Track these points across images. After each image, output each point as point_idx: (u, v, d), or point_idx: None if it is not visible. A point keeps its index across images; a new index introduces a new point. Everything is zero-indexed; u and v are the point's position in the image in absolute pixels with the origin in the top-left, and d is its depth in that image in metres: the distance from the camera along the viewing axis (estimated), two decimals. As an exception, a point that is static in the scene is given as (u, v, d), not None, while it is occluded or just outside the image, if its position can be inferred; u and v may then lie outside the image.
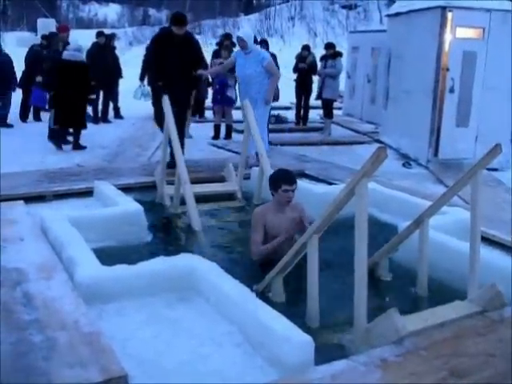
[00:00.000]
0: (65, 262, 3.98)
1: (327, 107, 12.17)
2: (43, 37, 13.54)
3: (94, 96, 10.44)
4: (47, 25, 17.75)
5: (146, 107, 14.12)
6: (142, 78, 12.44)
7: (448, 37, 9.10)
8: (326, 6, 39.88)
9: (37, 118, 12.48)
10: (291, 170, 4.93)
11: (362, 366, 2.86)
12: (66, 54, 9.29)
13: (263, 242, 4.56)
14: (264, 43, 11.46)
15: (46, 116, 11.82)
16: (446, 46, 9.15)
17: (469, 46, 9.11)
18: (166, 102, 6.27)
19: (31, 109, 12.53)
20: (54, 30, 13.77)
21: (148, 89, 12.44)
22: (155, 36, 7.67)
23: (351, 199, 3.29)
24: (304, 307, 3.69)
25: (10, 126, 11.60)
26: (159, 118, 7.15)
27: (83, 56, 9.63)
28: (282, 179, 4.56)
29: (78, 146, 9.42)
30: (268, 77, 7.60)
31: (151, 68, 7.50)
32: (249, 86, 7.50)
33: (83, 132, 9.55)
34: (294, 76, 13.04)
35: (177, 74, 7.12)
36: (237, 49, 8.40)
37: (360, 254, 3.17)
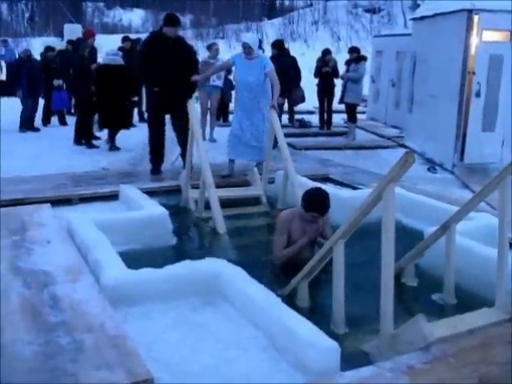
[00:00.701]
0: (91, 265, 4.01)
1: (350, 111, 12.13)
2: (69, 42, 13.76)
3: (136, 98, 10.93)
4: (73, 30, 17.96)
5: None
6: None
7: (474, 40, 9.01)
8: (349, 10, 39.81)
9: (62, 122, 12.61)
10: (315, 173, 4.91)
11: (388, 372, 2.83)
12: (105, 59, 9.72)
13: (286, 246, 4.57)
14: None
15: (71, 120, 12.00)
16: (472, 50, 9.07)
17: (495, 50, 9.01)
18: (191, 106, 6.30)
19: (52, 113, 12.67)
20: (79, 35, 13.95)
21: None
22: (147, 38, 7.47)
23: (378, 204, 3.27)
24: (329, 312, 3.67)
25: (37, 129, 11.75)
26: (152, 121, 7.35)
27: (121, 60, 9.97)
28: (315, 208, 4.47)
29: (114, 148, 9.92)
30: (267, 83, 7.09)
31: (145, 72, 7.21)
32: (250, 92, 6.95)
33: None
34: (316, 80, 13.02)
35: (171, 79, 7.04)
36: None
37: (387, 259, 3.14)
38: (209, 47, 11.46)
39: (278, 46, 10.53)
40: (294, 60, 12.74)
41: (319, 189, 4.71)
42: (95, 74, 9.72)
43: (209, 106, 10.90)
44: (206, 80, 9.65)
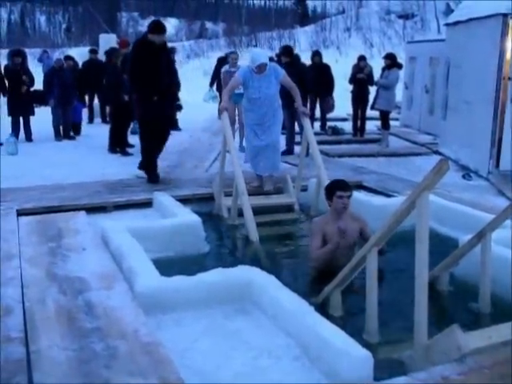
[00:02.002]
0: (125, 272, 4.05)
1: (383, 118, 12.05)
2: (94, 51, 14.08)
3: (179, 103, 11.51)
4: (108, 40, 18.19)
5: (204, 119, 14.38)
6: (211, 84, 14.07)
7: (510, 45, 8.87)
8: (382, 17, 39.56)
9: (77, 132, 12.60)
10: (348, 181, 4.92)
11: (422, 383, 2.80)
12: None
13: None
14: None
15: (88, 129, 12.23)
16: (508, 55, 8.92)
17: (532, 55, 8.86)
18: (223, 115, 6.34)
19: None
20: (114, 44, 14.16)
21: (216, 93, 12.88)
22: (138, 46, 7.23)
23: (412, 212, 3.24)
24: (362, 321, 3.64)
25: (73, 137, 11.94)
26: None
27: None
28: (336, 186, 4.66)
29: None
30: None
31: (137, 80, 7.11)
32: (268, 106, 6.62)
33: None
34: (351, 87, 12.97)
35: (163, 86, 7.11)
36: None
37: (420, 267, 3.11)
38: (227, 56, 11.38)
39: (288, 53, 10.31)
40: (327, 68, 12.74)
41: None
42: None
43: (236, 114, 10.75)
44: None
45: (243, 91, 6.87)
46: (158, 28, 7.07)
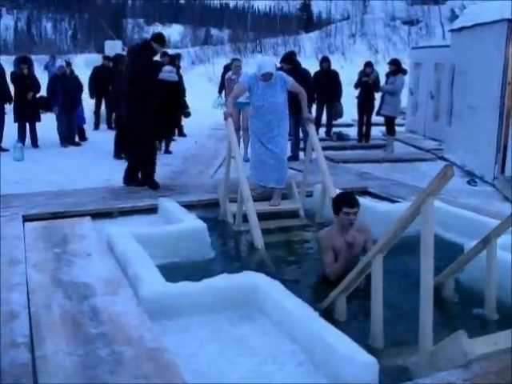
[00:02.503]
0: (130, 278, 4.06)
1: (389, 124, 12.04)
2: (107, 58, 14.11)
3: (189, 109, 11.98)
4: (114, 46, 18.34)
5: (209, 126, 14.42)
6: (220, 91, 14.25)
7: (515, 50, 8.87)
8: (387, 23, 39.62)
9: (82, 138, 12.64)
10: (353, 187, 4.92)
11: (428, 389, 2.79)
12: (162, 75, 10.13)
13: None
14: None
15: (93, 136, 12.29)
16: (513, 60, 8.92)
17: (537, 60, 8.84)
18: (228, 121, 6.36)
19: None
20: (120, 51, 14.23)
21: (224, 100, 12.97)
22: (148, 54, 7.28)
23: (416, 218, 3.24)
24: (368, 327, 3.64)
25: (79, 144, 11.98)
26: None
27: (176, 76, 10.97)
28: (343, 202, 4.59)
29: (168, 151, 11.03)
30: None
31: (149, 85, 7.22)
32: (274, 114, 6.50)
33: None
34: (356, 93, 12.98)
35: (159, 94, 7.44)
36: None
37: (426, 273, 3.11)
38: (231, 63, 11.31)
39: (289, 59, 10.29)
40: (335, 74, 12.75)
41: (342, 191, 4.95)
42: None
43: (241, 120, 10.38)
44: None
45: (249, 98, 6.82)
46: (162, 39, 7.43)
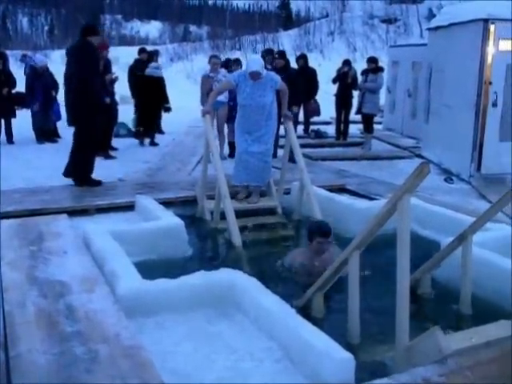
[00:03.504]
0: (106, 275, 4.03)
1: (367, 122, 12.10)
2: None
3: (170, 105, 12.21)
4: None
5: (187, 123, 14.36)
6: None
7: (490, 50, 8.95)
8: (365, 21, 39.83)
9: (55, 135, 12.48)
10: (331, 184, 4.98)
11: (403, 384, 2.81)
12: (148, 71, 11.49)
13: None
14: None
15: (70, 132, 12.13)
16: (489, 59, 9.00)
17: (512, 59, 8.95)
18: (206, 119, 6.34)
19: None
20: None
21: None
22: (86, 49, 7.25)
23: (393, 215, 3.25)
24: (344, 324, 3.65)
25: (55, 140, 11.85)
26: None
27: (161, 72, 11.89)
28: (317, 232, 4.73)
29: (153, 143, 11.73)
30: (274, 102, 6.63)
31: (87, 82, 7.11)
32: (261, 114, 6.41)
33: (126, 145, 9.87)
34: (334, 91, 13.03)
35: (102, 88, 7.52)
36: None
37: (402, 270, 3.12)
38: (208, 60, 10.98)
39: (283, 56, 10.30)
40: (313, 72, 12.79)
41: (317, 220, 5.16)
42: (138, 83, 11.53)
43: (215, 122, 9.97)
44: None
45: (236, 96, 6.66)
46: (93, 29, 7.45)
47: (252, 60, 6.53)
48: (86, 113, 7.15)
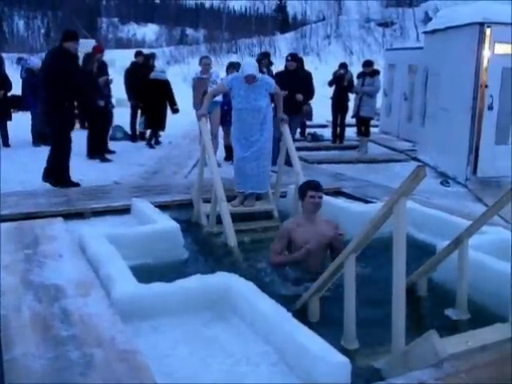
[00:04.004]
0: (102, 279, 4.01)
1: (364, 125, 12.11)
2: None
3: (177, 106, 12.41)
4: (87, 45, 18.08)
5: (183, 126, 14.35)
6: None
7: (486, 53, 8.99)
8: (361, 24, 39.94)
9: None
10: (327, 187, 5.05)
11: (400, 388, 2.80)
12: (153, 75, 12.13)
13: (292, 252, 4.78)
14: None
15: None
16: (485, 63, 9.04)
17: (508, 63, 8.96)
18: (202, 122, 6.34)
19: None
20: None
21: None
22: (58, 55, 7.44)
23: (389, 218, 3.25)
24: (340, 327, 3.65)
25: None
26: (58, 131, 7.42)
27: (167, 76, 12.48)
28: (307, 186, 4.93)
29: (157, 142, 12.48)
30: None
31: (58, 87, 7.26)
32: (256, 118, 6.37)
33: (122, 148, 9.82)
34: (330, 94, 13.03)
35: (81, 92, 7.57)
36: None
37: (398, 273, 3.12)
38: (199, 62, 10.74)
39: (295, 58, 10.18)
40: (309, 76, 12.79)
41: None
42: (146, 86, 11.95)
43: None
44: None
45: (231, 100, 6.61)
46: (71, 34, 7.53)
47: (247, 63, 6.50)
48: (58, 116, 7.34)
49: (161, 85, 11.99)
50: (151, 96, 11.90)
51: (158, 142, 12.46)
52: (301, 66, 10.50)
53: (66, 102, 7.32)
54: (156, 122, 12.21)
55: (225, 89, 6.61)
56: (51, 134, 7.62)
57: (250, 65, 6.39)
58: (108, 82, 10.42)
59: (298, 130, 13.19)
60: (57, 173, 7.52)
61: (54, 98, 7.35)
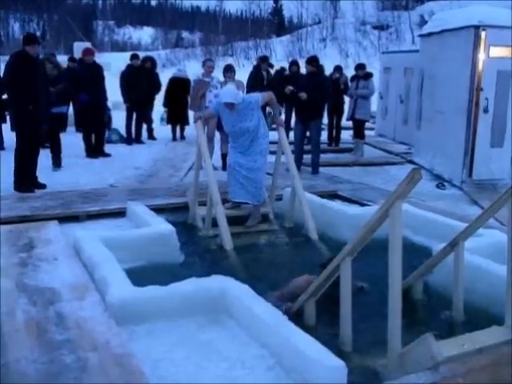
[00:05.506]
0: (97, 282, 4.00)
1: (359, 128, 12.11)
2: (73, 60, 14.13)
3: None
4: (82, 48, 18.15)
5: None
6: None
7: (481, 56, 8.99)
8: (357, 27, 40.05)
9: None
10: (323, 190, 4.95)
11: (396, 392, 2.79)
12: (174, 73, 13.65)
13: None
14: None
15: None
16: (480, 66, 9.04)
17: (503, 66, 8.98)
18: (198, 125, 6.33)
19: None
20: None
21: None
22: (18, 58, 7.42)
23: (385, 221, 3.24)
24: (337, 330, 3.64)
25: (46, 146, 11.76)
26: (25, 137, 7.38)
27: (187, 74, 13.61)
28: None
29: (182, 137, 13.45)
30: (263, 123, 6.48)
31: (17, 90, 7.26)
32: (246, 137, 6.30)
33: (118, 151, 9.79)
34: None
35: (41, 95, 7.45)
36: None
37: (394, 276, 3.11)
38: (203, 64, 10.56)
39: (315, 62, 10.03)
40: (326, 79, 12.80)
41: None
42: (168, 84, 13.28)
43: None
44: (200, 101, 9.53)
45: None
46: (31, 38, 7.59)
47: (223, 92, 6.40)
48: (21, 119, 7.38)
49: (181, 82, 13.05)
50: (173, 93, 13.00)
51: (183, 137, 13.36)
52: (321, 71, 10.45)
53: (29, 105, 7.25)
54: (179, 118, 13.19)
55: (215, 115, 6.90)
56: (16, 137, 7.61)
57: (226, 93, 6.28)
58: (65, 91, 10.22)
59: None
60: (25, 175, 7.51)
61: (15, 102, 7.41)
